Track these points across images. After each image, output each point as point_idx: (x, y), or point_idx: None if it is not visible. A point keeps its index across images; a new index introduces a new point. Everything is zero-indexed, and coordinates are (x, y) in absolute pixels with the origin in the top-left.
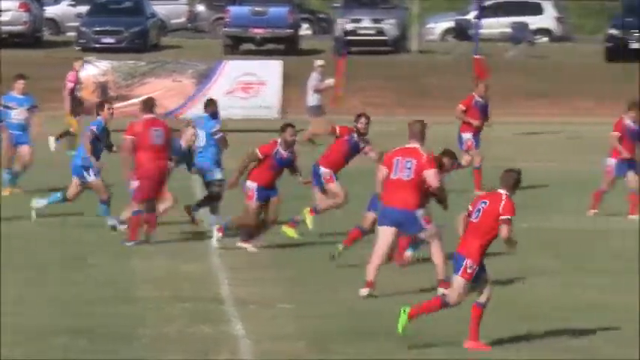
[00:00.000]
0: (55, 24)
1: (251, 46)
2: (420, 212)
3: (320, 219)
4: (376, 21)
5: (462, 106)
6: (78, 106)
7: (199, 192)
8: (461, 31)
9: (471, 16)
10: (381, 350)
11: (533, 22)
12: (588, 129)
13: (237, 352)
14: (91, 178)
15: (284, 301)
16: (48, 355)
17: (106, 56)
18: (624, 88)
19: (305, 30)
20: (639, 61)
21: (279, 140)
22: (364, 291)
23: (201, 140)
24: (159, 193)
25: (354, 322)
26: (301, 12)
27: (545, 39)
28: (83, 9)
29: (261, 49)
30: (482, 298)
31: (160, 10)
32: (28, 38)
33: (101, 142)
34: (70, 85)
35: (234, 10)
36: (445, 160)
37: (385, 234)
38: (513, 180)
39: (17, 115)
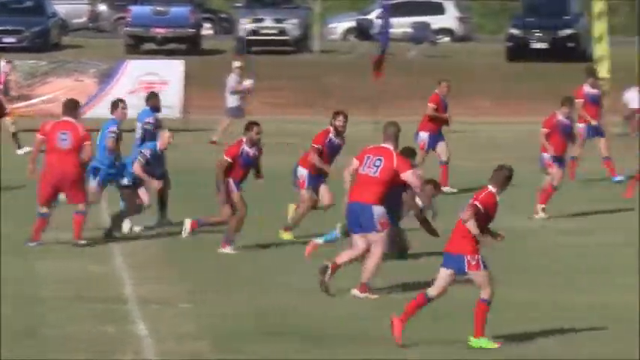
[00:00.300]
0: None
1: (153, 46)
2: (377, 210)
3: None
4: (278, 21)
5: (432, 105)
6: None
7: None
8: (362, 31)
9: (373, 15)
10: (284, 349)
11: (435, 21)
12: (486, 128)
13: (141, 351)
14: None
15: (186, 300)
16: None
17: (6, 56)
18: (525, 87)
19: (207, 30)
20: (540, 61)
21: (244, 139)
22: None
23: (138, 134)
24: (75, 197)
25: (256, 321)
26: (203, 12)
27: (447, 39)
28: None
29: (163, 48)
30: (485, 295)
31: (61, 9)
32: None
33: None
34: None
35: (135, 9)
36: (428, 188)
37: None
38: (504, 177)
39: None
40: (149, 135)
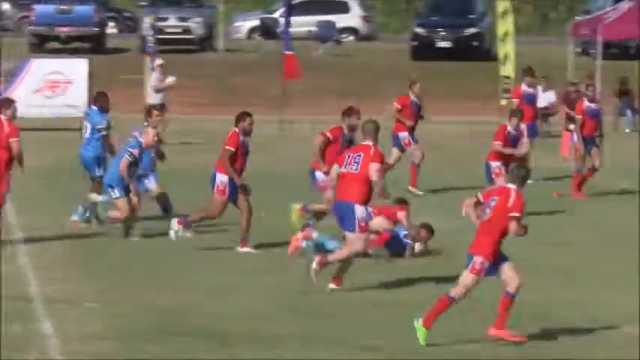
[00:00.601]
0: None
1: (57, 45)
2: (358, 209)
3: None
4: (182, 19)
5: (397, 105)
6: None
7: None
8: (267, 30)
9: (277, 14)
10: (188, 349)
11: (340, 20)
12: (391, 126)
13: (46, 351)
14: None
15: (92, 299)
16: None
17: None
18: (429, 86)
19: (111, 28)
20: (444, 60)
21: (237, 130)
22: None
23: (87, 133)
24: None
25: (161, 321)
26: (107, 10)
27: (352, 38)
28: None
29: (67, 47)
30: (511, 289)
31: None
32: None
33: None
34: None
35: (39, 8)
36: (422, 233)
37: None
38: (523, 174)
39: None
40: (103, 138)
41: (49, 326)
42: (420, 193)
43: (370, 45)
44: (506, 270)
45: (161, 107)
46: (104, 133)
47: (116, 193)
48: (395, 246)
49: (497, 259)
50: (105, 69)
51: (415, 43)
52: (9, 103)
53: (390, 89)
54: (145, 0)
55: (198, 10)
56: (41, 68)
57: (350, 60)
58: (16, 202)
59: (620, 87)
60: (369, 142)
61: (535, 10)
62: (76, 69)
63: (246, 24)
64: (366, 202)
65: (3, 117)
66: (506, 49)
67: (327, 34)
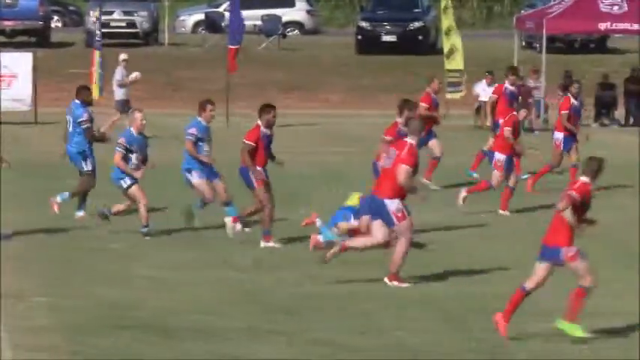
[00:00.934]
0: None
1: (2, 39)
2: (389, 204)
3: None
4: (127, 13)
5: (424, 104)
6: None
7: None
8: (211, 24)
9: (222, 8)
10: (134, 342)
11: (285, 14)
12: (337, 121)
13: None
14: (194, 179)
15: (39, 293)
16: None
17: None
18: (375, 80)
19: (56, 22)
20: (390, 54)
21: (259, 123)
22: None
23: (70, 127)
24: None
25: (108, 314)
26: (52, 4)
27: (297, 32)
28: None
29: (12, 41)
30: (585, 283)
31: None
32: None
33: (204, 142)
34: None
35: None
36: None
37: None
38: (596, 167)
39: None
40: (85, 132)
41: None
42: (435, 187)
43: (315, 39)
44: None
45: (126, 102)
46: (85, 126)
47: (127, 181)
48: None
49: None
50: (50, 63)
51: (360, 37)
52: None
53: (335, 83)
54: None
55: (143, 3)
56: None
57: (295, 54)
58: None
59: (564, 81)
60: (411, 140)
61: (480, 4)
62: (21, 63)
63: (191, 18)
64: (398, 196)
65: None
66: (451, 42)
67: (272, 28)
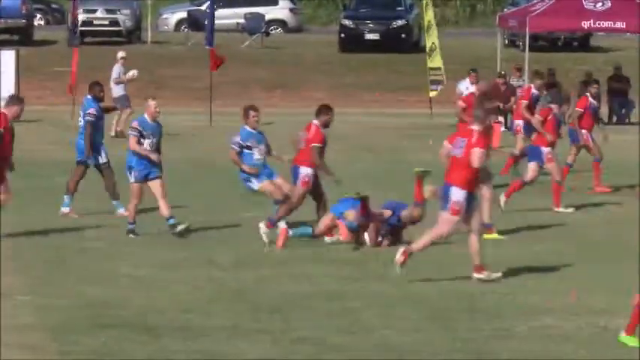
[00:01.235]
0: None
1: None
2: (455, 192)
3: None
4: (110, 11)
5: (462, 103)
6: None
7: None
8: (194, 22)
9: (205, 6)
10: (118, 341)
11: (268, 12)
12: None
13: None
14: (255, 185)
15: (25, 292)
16: None
17: None
18: (358, 78)
19: (38, 20)
20: (372, 52)
21: (318, 124)
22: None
23: (81, 121)
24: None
25: (93, 313)
26: (34, 2)
27: (280, 30)
28: None
29: None
30: None
31: None
32: None
33: (252, 149)
34: None
35: None
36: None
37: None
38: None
39: None
40: (92, 126)
41: None
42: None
43: (298, 37)
44: None
45: (126, 97)
46: (89, 118)
47: (131, 178)
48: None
49: None
50: (33, 61)
51: (343, 35)
52: None
53: (319, 81)
54: None
55: (126, 2)
56: None
57: (278, 52)
58: None
59: (547, 79)
60: (476, 127)
61: (463, 2)
62: (4, 61)
63: (173, 16)
64: (467, 187)
65: None
66: (432, 40)
67: (255, 26)
